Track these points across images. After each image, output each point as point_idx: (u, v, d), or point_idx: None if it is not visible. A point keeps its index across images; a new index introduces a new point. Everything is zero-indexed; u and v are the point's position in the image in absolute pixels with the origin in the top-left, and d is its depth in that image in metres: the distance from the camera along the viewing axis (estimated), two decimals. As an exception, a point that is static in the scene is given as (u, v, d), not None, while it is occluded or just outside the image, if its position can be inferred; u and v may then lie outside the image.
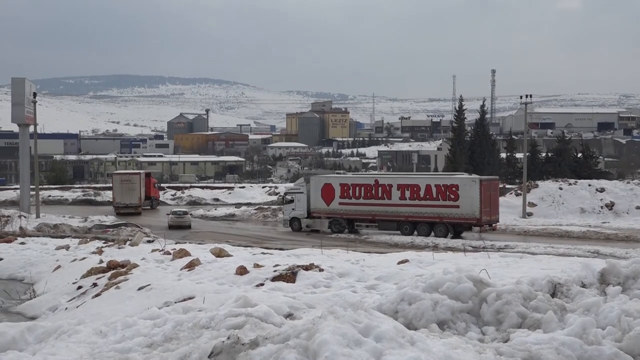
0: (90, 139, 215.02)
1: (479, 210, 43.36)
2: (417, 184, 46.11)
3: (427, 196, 44.99)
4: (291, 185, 55.36)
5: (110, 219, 54.66)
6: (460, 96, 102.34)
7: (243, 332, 9.85)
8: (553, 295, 12.20)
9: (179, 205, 69.40)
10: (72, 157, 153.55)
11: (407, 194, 45.76)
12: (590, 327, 10.27)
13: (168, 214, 55.76)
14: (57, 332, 12.69)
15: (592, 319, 10.66)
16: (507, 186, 68.14)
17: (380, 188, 46.90)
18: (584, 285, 12.60)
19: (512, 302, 11.41)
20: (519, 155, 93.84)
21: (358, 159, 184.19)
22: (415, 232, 44.99)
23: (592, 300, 11.48)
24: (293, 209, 50.32)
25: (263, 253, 28.76)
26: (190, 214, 58.18)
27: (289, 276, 19.10)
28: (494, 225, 45.69)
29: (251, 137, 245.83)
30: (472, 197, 43.62)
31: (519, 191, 57.15)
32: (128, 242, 34.41)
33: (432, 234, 44.52)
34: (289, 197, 51.37)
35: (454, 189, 44.27)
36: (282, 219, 52.70)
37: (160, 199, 73.12)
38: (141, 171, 75.94)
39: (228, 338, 9.33)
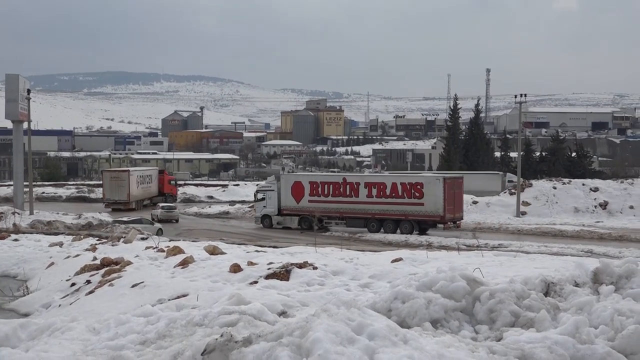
0: (84, 135, 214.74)
1: (443, 208, 44.85)
2: (384, 182, 47.78)
3: (393, 194, 46.48)
4: (263, 183, 56.11)
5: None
6: (455, 95, 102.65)
7: (236, 329, 9.85)
8: (546, 294, 12.22)
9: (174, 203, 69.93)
10: (66, 154, 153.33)
11: (374, 192, 47.21)
12: (583, 326, 10.29)
13: (154, 209, 58.25)
14: (50, 329, 12.66)
15: (585, 318, 10.68)
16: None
17: (348, 186, 48.41)
18: (577, 285, 12.62)
19: (506, 301, 11.42)
20: (513, 154, 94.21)
21: (352, 157, 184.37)
22: (382, 230, 46.12)
23: (585, 300, 11.50)
24: (264, 207, 51.86)
25: (257, 251, 28.72)
26: (185, 212, 58.63)
27: (282, 274, 19.08)
28: (458, 222, 46.87)
29: (245, 134, 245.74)
30: (436, 195, 45.03)
31: (512, 190, 57.24)
32: (122, 239, 34.36)
33: (398, 231, 45.68)
34: (260, 195, 52.68)
35: (418, 187, 45.86)
36: (254, 216, 54.03)
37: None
38: (154, 168, 78.61)
39: (221, 336, 9.33)
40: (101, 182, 72.80)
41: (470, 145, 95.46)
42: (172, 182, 74.88)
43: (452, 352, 9.05)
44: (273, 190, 51.58)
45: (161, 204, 60.49)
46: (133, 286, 19.61)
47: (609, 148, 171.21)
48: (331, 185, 49.16)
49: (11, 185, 66.42)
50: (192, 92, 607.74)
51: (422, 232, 45.66)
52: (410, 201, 45.96)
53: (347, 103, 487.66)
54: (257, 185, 65.85)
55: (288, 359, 8.39)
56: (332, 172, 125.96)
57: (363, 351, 8.38)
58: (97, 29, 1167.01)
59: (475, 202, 55.94)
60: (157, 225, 47.53)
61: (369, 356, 8.35)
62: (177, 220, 54.90)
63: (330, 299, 12.71)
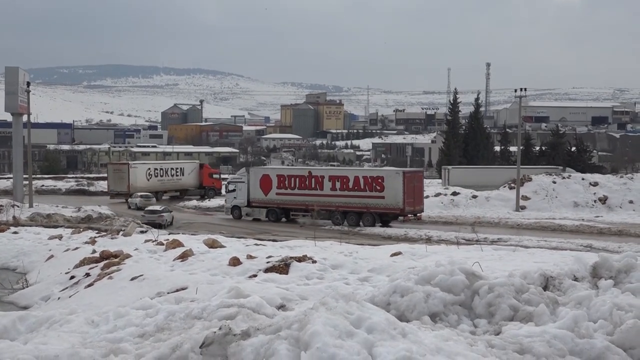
0: (84, 128, 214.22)
1: (402, 201, 46.11)
2: (347, 175, 49.13)
3: (356, 187, 47.83)
4: (235, 175, 58.85)
5: (155, 205, 56.30)
6: (455, 89, 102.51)
7: (235, 322, 9.84)
8: (545, 288, 12.22)
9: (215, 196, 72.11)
10: (66, 147, 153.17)
11: (338, 185, 48.59)
12: (582, 321, 10.29)
13: (131, 198, 61.90)
14: (49, 321, 12.66)
15: (584, 312, 10.68)
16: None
17: (313, 179, 49.87)
18: (576, 279, 12.63)
19: (504, 295, 11.42)
20: (513, 148, 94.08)
21: (352, 151, 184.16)
22: (345, 222, 47.31)
23: (584, 294, 11.50)
24: (235, 198, 53.26)
25: (256, 244, 28.74)
26: (184, 205, 58.97)
27: (282, 267, 19.11)
28: (418, 215, 48.10)
29: (245, 128, 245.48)
30: (396, 188, 46.33)
31: (512, 184, 57.23)
32: (121, 232, 34.42)
33: (361, 223, 46.94)
34: (231, 186, 54.09)
35: (379, 180, 47.21)
36: (224, 207, 55.28)
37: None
38: (192, 161, 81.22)
39: (220, 329, 9.32)
40: (102, 175, 75.19)
41: (470, 139, 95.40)
42: (215, 175, 76.49)
43: (450, 346, 9.04)
44: (243, 182, 52.85)
45: (139, 193, 63.19)
46: (132, 279, 19.65)
47: (609, 143, 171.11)
48: (297, 179, 50.59)
49: (11, 178, 66.48)
50: (191, 86, 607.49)
51: (385, 224, 46.84)
52: (372, 194, 47.17)
53: (347, 97, 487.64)
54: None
55: (286, 352, 8.38)
56: (332, 165, 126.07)
57: (361, 344, 8.37)
58: (96, 22, 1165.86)
59: (474, 197, 55.96)
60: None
61: (368, 349, 8.34)
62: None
63: (329, 293, 12.70)
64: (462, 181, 61.25)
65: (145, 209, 52.37)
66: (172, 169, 73.39)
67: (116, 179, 67.88)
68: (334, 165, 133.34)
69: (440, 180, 66.45)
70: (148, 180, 68.89)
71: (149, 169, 70.34)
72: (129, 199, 62.69)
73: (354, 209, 47.62)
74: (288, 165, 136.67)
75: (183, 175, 73.20)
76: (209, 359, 9.03)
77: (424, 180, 55.24)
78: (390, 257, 22.35)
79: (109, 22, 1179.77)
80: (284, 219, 50.91)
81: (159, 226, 43.07)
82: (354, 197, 47.70)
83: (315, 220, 45.43)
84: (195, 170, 74.89)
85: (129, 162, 78.17)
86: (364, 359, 8.11)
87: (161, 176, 71.04)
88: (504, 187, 58.82)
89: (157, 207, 51.96)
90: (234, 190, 53.36)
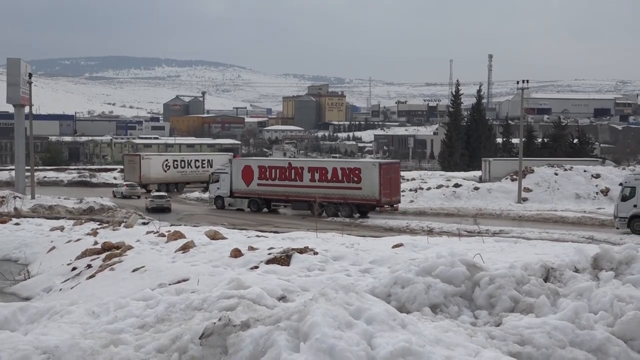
0: (86, 120, 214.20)
1: (379, 192, 46.83)
2: (325, 167, 49.93)
3: (334, 179, 48.68)
4: (218, 166, 60.18)
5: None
6: (457, 81, 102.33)
7: (235, 313, 9.84)
8: (546, 279, 12.22)
9: None
10: (68, 139, 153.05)
11: (317, 176, 49.44)
12: (582, 312, 10.29)
13: (116, 188, 65.46)
14: (50, 312, 12.69)
15: (584, 303, 10.68)
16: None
17: (293, 170, 50.60)
18: (577, 270, 12.63)
19: (505, 286, 11.42)
20: (515, 140, 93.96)
21: (354, 142, 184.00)
22: (324, 213, 47.49)
23: (584, 285, 11.50)
24: (218, 188, 54.13)
25: (258, 236, 28.74)
26: (186, 197, 59.33)
27: (283, 259, 19.11)
28: (395, 206, 48.97)
29: (247, 120, 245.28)
30: (372, 180, 47.06)
31: (514, 176, 57.16)
32: (123, 224, 34.42)
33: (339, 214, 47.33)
34: (215, 177, 55.06)
35: (357, 172, 47.97)
36: (208, 197, 56.35)
37: None
38: (220, 154, 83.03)
39: (219, 319, 9.32)
40: (104, 167, 75.45)
41: (472, 131, 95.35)
42: None
43: (450, 337, 9.04)
44: (226, 173, 53.72)
45: (126, 182, 66.79)
46: (134, 270, 19.66)
47: (611, 134, 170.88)
48: (277, 170, 51.32)
49: (13, 169, 66.48)
50: (193, 77, 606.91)
51: (363, 215, 47.59)
52: (349, 185, 47.95)
53: (349, 88, 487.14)
54: None
55: (286, 342, 8.38)
56: (333, 156, 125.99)
57: (361, 335, 8.37)
58: (98, 14, 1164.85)
59: (476, 188, 55.89)
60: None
61: (367, 340, 8.34)
62: (138, 197, 60.81)
63: (330, 284, 12.71)
64: (503, 172, 60.49)
65: (152, 194, 56.67)
66: (196, 160, 75.21)
67: (130, 169, 70.65)
68: (335, 157, 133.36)
69: (478, 172, 65.23)
70: (165, 171, 71.01)
71: (167, 160, 72.37)
72: (114, 188, 65.91)
73: (332, 199, 48.27)
74: (290, 157, 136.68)
75: (212, 167, 73.60)
76: (208, 349, 9.04)
77: (431, 171, 55.18)
78: (391, 249, 22.34)
79: (110, 13, 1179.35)
80: (265, 209, 51.78)
81: (167, 210, 51.10)
82: (332, 188, 48.48)
83: (295, 211, 47.17)
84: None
85: (141, 153, 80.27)
86: (363, 349, 8.11)
87: (182, 167, 72.98)
88: (506, 178, 58.72)
89: (163, 193, 56.65)
90: (217, 181, 54.25)
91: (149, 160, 70.75)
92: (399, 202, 49.77)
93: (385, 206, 47.98)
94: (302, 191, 49.52)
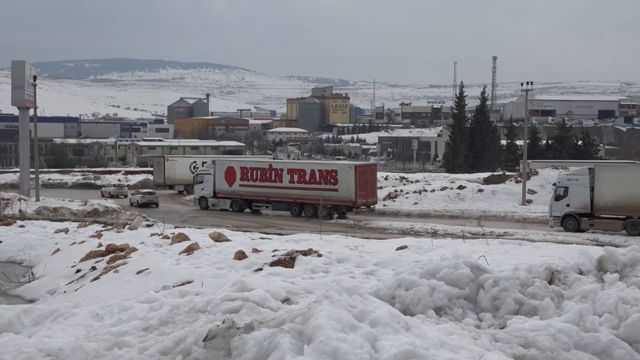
0: (90, 122, 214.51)
1: (355, 194, 47.78)
2: (304, 169, 50.84)
3: (312, 180, 49.70)
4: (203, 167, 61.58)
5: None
6: (461, 83, 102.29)
7: (239, 316, 9.84)
8: (550, 282, 12.20)
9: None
10: (72, 141, 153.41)
11: (296, 178, 50.64)
12: (587, 314, 10.27)
13: (105, 187, 68.97)
14: (54, 314, 12.69)
15: (589, 306, 10.66)
16: (507, 173, 68.08)
17: (273, 172, 51.56)
18: (581, 273, 12.60)
19: (509, 289, 11.40)
20: (519, 142, 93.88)
21: (358, 144, 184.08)
22: (303, 214, 49.19)
23: (589, 288, 11.48)
24: (202, 189, 55.07)
25: (262, 238, 28.70)
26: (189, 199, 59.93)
27: (287, 261, 19.09)
28: (371, 207, 49.95)
29: (251, 122, 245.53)
30: (348, 182, 48.13)
31: (519, 178, 57.08)
32: (127, 226, 34.40)
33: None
34: (199, 178, 56.10)
35: (333, 174, 49.09)
36: (193, 197, 57.41)
37: None
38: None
39: (223, 322, 9.32)
40: (108, 169, 76.45)
41: (476, 133, 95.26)
42: None
43: (454, 340, 9.02)
44: (210, 174, 54.61)
45: (113, 182, 72.19)
46: (138, 273, 19.65)
47: (616, 136, 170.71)
48: (259, 171, 52.23)
49: (17, 171, 66.59)
50: (197, 79, 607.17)
51: (341, 216, 48.46)
52: (327, 187, 48.90)
53: (353, 90, 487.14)
54: None
55: (289, 345, 8.37)
56: (337, 158, 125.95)
57: (365, 338, 8.36)
58: (103, 16, 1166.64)
59: (480, 190, 55.79)
60: None
61: (371, 343, 8.32)
62: (125, 196, 63.01)
63: (334, 286, 12.70)
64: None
65: (141, 191, 61.78)
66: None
67: (157, 171, 73.66)
68: (339, 159, 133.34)
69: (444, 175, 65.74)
70: (192, 172, 71.66)
71: (194, 162, 73.36)
72: (102, 189, 69.38)
73: (310, 200, 49.17)
74: (294, 159, 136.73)
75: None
76: (212, 352, 9.03)
77: (435, 173, 55.16)
78: (396, 251, 22.31)
79: (115, 16, 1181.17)
80: (247, 210, 52.80)
81: (156, 205, 56.66)
82: (310, 190, 49.39)
83: (275, 211, 48.45)
84: None
85: (165, 155, 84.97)
86: (367, 352, 8.09)
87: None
88: (510, 180, 58.65)
89: (151, 190, 62.48)
90: (201, 182, 55.12)
91: (174, 162, 73.48)
92: (376, 203, 50.88)
93: (362, 207, 48.97)
94: (281, 192, 50.68)
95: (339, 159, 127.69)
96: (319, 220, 39.63)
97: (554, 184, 42.42)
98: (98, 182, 78.67)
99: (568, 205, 39.57)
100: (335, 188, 48.55)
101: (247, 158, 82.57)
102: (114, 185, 69.33)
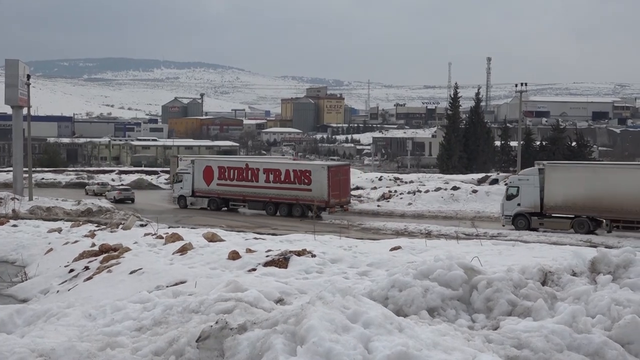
0: (84, 122, 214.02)
1: (327, 194, 48.80)
2: (279, 168, 51.85)
3: (287, 180, 50.77)
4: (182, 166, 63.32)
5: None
6: (456, 84, 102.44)
7: (232, 316, 9.83)
8: (544, 283, 12.21)
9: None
10: (66, 140, 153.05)
11: (271, 177, 51.45)
12: (580, 316, 10.28)
13: (89, 185, 71.40)
14: (46, 315, 12.66)
15: (582, 307, 10.67)
16: (502, 174, 68.14)
17: (250, 172, 52.60)
18: (574, 274, 12.62)
19: (503, 290, 11.41)
20: (513, 143, 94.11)
21: (352, 145, 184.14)
22: (278, 212, 50.37)
23: (582, 289, 11.49)
24: (181, 188, 56.07)
25: (255, 238, 28.67)
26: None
27: (281, 261, 19.07)
28: (344, 206, 51.05)
29: (246, 122, 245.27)
30: (321, 182, 49.07)
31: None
32: (120, 226, 34.34)
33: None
34: (179, 177, 57.09)
35: (307, 174, 50.05)
36: (172, 196, 58.46)
37: None
38: (287, 157, 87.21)
39: (216, 322, 9.31)
40: (102, 168, 79.69)
41: (470, 134, 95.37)
42: None
43: (447, 341, 9.02)
44: (189, 173, 55.56)
45: (96, 181, 75.00)
46: (131, 273, 19.60)
47: (609, 138, 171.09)
48: (235, 170, 53.25)
49: (10, 171, 66.47)
50: (192, 79, 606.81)
51: (316, 215, 48.64)
52: (301, 187, 49.94)
53: (348, 91, 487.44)
54: None
55: (282, 346, 8.36)
56: (331, 159, 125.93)
57: (358, 339, 8.35)
58: (97, 15, 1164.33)
59: (474, 191, 55.87)
60: None
61: (364, 344, 8.32)
62: (133, 200, 62.99)
63: (327, 287, 12.68)
64: None
65: (119, 187, 66.79)
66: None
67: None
68: (334, 159, 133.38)
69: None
70: None
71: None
72: (87, 187, 71.52)
73: (285, 200, 50.34)
74: (291, 159, 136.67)
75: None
76: (205, 353, 9.02)
77: (429, 174, 55.26)
78: (389, 252, 22.32)
79: (109, 15, 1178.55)
80: (224, 208, 53.66)
81: (132, 200, 60.94)
82: (285, 189, 50.39)
83: (252, 210, 50.10)
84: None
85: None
86: (360, 353, 8.09)
87: None
88: (504, 181, 58.75)
89: (128, 187, 67.67)
90: (181, 181, 55.98)
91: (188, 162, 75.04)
92: (349, 202, 52.05)
93: (335, 207, 49.82)
94: (257, 191, 51.63)
95: (333, 159, 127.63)
96: (313, 221, 39.65)
97: (506, 184, 43.67)
98: (92, 182, 78.56)
99: (519, 204, 40.67)
100: (309, 188, 49.47)
101: (225, 157, 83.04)
102: (98, 184, 71.69)
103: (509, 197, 41.38)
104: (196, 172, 54.94)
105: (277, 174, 50.94)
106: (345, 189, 51.14)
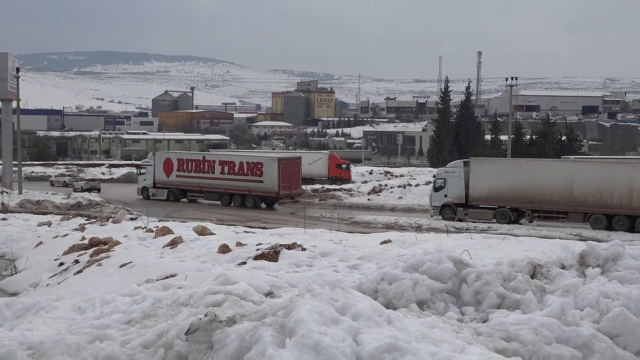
0: (74, 115, 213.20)
1: (277, 185, 50.54)
2: (233, 160, 53.60)
3: (240, 172, 52.41)
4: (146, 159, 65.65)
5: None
6: (446, 77, 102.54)
7: (221, 309, 9.83)
8: (533, 276, 12.25)
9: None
10: (56, 134, 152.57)
11: (226, 169, 53.10)
12: (568, 308, 10.33)
13: (77, 181, 69.31)
14: (35, 308, 12.64)
15: (571, 300, 10.72)
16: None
17: (206, 163, 54.28)
18: (563, 267, 12.66)
19: (492, 283, 11.44)
20: (503, 137, 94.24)
21: (343, 139, 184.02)
22: (232, 203, 52.03)
23: (571, 282, 11.54)
24: (144, 180, 57.74)
25: (246, 232, 28.64)
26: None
27: (271, 255, 19.05)
28: (295, 198, 52.59)
29: (236, 115, 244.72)
30: (272, 174, 50.80)
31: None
32: (110, 219, 34.25)
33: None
34: (142, 169, 58.66)
35: (259, 166, 51.71)
36: (137, 188, 59.57)
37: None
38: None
39: (205, 315, 9.31)
40: (92, 162, 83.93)
41: (460, 127, 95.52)
42: (343, 166, 76.83)
43: (436, 333, 9.05)
44: (151, 165, 57.31)
45: (67, 173, 76.36)
46: (121, 266, 19.57)
47: (599, 132, 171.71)
48: (193, 163, 54.99)
49: (0, 164, 66.29)
50: (182, 73, 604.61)
51: (268, 206, 51.68)
52: (253, 178, 51.61)
53: (338, 85, 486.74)
54: None
55: (271, 338, 8.36)
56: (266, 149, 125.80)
57: (347, 331, 8.37)
58: (87, 8, 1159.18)
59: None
60: None
61: (353, 336, 8.34)
62: (99, 190, 64.95)
63: (317, 280, 12.69)
64: None
65: (84, 178, 70.80)
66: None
67: None
68: (310, 151, 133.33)
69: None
70: None
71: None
72: (75, 183, 70.22)
73: (238, 191, 52.07)
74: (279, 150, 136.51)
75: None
76: (194, 345, 9.02)
77: (420, 168, 55.50)
78: (380, 245, 22.33)
79: (99, 8, 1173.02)
80: (183, 199, 55.36)
81: (98, 190, 63.24)
82: (238, 181, 52.08)
83: (208, 201, 52.12)
84: (321, 161, 76.17)
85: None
86: (348, 345, 8.11)
87: None
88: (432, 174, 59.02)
89: (93, 178, 71.77)
90: (144, 173, 57.69)
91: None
92: (300, 194, 53.61)
93: (285, 199, 51.56)
94: (213, 183, 53.27)
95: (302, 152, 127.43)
96: (304, 214, 39.66)
97: (434, 176, 45.26)
98: (82, 175, 78.42)
99: (446, 196, 42.45)
100: (260, 179, 51.08)
101: (184, 151, 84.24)
102: (69, 175, 74.07)
103: (437, 189, 43.09)
104: (157, 164, 56.55)
105: (231, 166, 52.57)
106: (296, 181, 52.72)
